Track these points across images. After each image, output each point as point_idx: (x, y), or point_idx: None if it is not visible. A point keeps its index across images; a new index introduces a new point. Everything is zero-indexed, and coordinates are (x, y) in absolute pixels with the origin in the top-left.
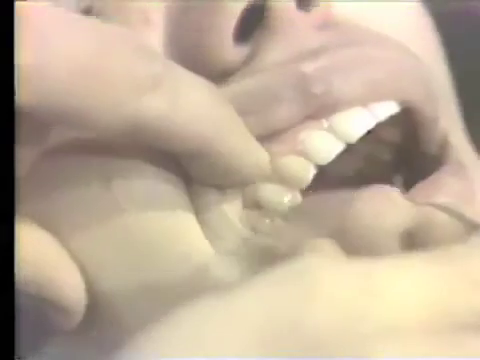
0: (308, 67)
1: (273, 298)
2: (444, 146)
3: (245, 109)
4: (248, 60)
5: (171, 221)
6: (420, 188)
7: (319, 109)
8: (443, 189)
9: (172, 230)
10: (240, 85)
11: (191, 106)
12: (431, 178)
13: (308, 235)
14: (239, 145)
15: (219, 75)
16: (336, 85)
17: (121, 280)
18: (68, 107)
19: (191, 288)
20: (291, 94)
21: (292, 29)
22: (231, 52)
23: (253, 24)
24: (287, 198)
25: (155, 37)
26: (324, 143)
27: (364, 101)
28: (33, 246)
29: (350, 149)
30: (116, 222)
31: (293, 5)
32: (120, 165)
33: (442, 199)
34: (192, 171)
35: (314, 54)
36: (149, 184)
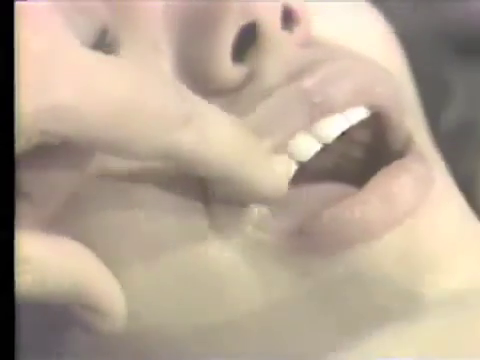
0: (307, 83)
1: None
2: (408, 143)
3: (263, 134)
4: (248, 79)
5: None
6: (385, 171)
7: (317, 115)
8: (406, 171)
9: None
10: (255, 113)
11: (218, 139)
12: (395, 163)
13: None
14: (261, 172)
15: (223, 92)
16: (331, 94)
17: (161, 314)
18: (106, 141)
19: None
20: (298, 109)
21: (280, 48)
22: (230, 71)
23: (246, 44)
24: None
25: (165, 63)
26: (304, 143)
27: (349, 106)
28: (70, 256)
29: (327, 148)
30: (156, 256)
31: (279, 26)
32: (146, 194)
33: (405, 179)
34: (216, 191)
35: (308, 70)
36: (177, 214)
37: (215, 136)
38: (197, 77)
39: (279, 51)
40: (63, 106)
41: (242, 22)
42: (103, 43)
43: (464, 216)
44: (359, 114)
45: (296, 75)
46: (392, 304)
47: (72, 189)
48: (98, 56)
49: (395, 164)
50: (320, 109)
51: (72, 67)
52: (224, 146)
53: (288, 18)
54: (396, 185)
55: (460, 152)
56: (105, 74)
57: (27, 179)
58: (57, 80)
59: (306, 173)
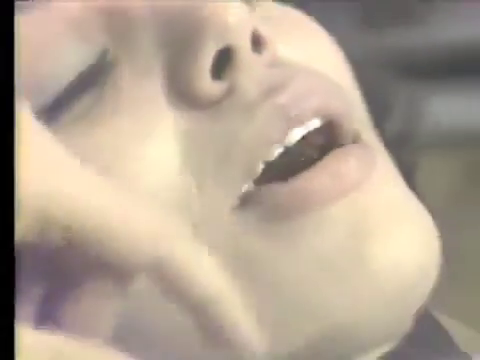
0: (282, 99)
1: None
2: (356, 139)
3: (244, 146)
4: (227, 94)
5: None
6: (332, 154)
7: (291, 127)
8: (351, 153)
9: None
10: (236, 126)
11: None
12: (342, 148)
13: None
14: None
15: (206, 105)
16: (304, 108)
17: None
18: (97, 253)
19: None
20: (277, 123)
21: (251, 67)
22: (210, 86)
23: (224, 64)
24: (244, 188)
25: (157, 79)
26: None
27: (313, 118)
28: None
29: (289, 150)
30: None
31: (250, 49)
32: None
33: (351, 159)
34: None
35: (280, 87)
36: None
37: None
38: (183, 92)
39: (250, 70)
40: (54, 220)
41: (219, 47)
42: (104, 61)
43: (405, 194)
44: (316, 123)
45: (269, 91)
46: (339, 266)
47: None
48: (93, 177)
49: (343, 148)
50: (294, 122)
51: (64, 186)
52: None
53: (257, 43)
54: (343, 164)
55: (398, 157)
56: (97, 196)
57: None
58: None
59: (272, 171)
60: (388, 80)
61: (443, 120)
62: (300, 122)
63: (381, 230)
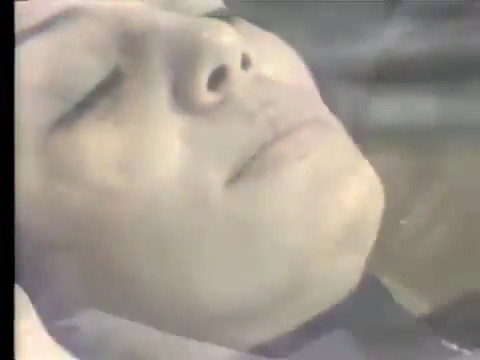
0: (273, 112)
1: None
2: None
3: (233, 149)
4: (221, 103)
5: None
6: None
7: (277, 137)
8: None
9: None
10: (236, 131)
11: None
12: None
13: None
14: None
15: (204, 112)
16: (290, 119)
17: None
18: None
19: None
20: (265, 133)
21: (242, 82)
22: (206, 96)
23: (218, 79)
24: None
25: (164, 90)
26: None
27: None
28: None
29: None
30: None
31: (239, 67)
32: None
33: (308, 132)
34: None
35: (268, 102)
36: None
37: None
38: (185, 101)
39: (241, 84)
40: None
41: (215, 67)
42: (117, 75)
43: (355, 150)
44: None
45: (259, 103)
46: (300, 214)
47: None
48: None
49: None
50: (280, 133)
51: None
52: None
53: (245, 62)
54: (302, 135)
55: None
56: None
57: None
58: None
59: None
60: (348, 90)
61: (383, 119)
62: (290, 132)
63: (332, 183)
